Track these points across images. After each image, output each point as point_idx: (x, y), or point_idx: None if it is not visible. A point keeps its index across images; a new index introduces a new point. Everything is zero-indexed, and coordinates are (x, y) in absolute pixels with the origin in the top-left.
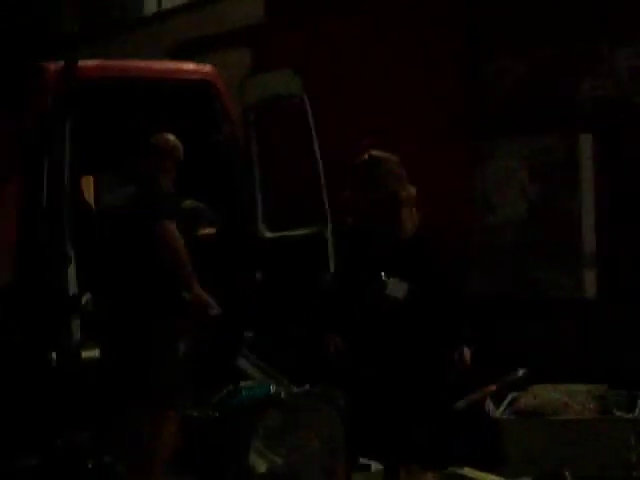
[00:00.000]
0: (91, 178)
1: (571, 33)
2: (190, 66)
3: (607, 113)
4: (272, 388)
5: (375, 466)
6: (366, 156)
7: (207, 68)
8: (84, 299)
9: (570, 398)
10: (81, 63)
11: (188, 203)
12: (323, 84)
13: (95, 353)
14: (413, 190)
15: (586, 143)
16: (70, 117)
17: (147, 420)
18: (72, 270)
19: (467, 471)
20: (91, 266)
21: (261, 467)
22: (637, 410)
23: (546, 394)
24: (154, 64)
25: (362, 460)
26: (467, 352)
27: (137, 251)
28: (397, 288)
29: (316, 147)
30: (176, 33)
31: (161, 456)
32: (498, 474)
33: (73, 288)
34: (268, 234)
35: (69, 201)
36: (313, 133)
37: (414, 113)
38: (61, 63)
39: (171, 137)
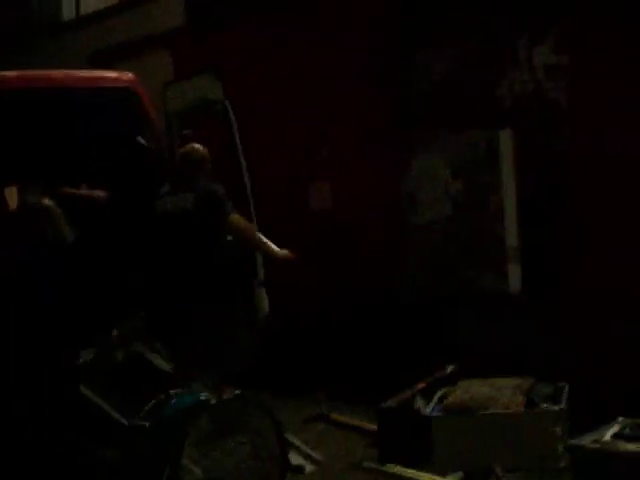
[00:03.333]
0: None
1: (490, 31)
2: (111, 74)
3: (525, 109)
4: (202, 395)
5: (309, 468)
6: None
7: (128, 75)
8: None
9: (498, 392)
10: (1, 74)
11: None
12: (246, 87)
13: None
14: None
15: (506, 138)
16: None
17: None
18: None
19: (399, 469)
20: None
21: (194, 474)
22: (562, 402)
23: (474, 389)
24: (75, 73)
25: (295, 462)
26: None
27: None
28: None
29: (240, 154)
30: (95, 39)
31: None
32: (429, 471)
33: None
34: None
35: None
36: (237, 139)
37: (340, 112)
38: None
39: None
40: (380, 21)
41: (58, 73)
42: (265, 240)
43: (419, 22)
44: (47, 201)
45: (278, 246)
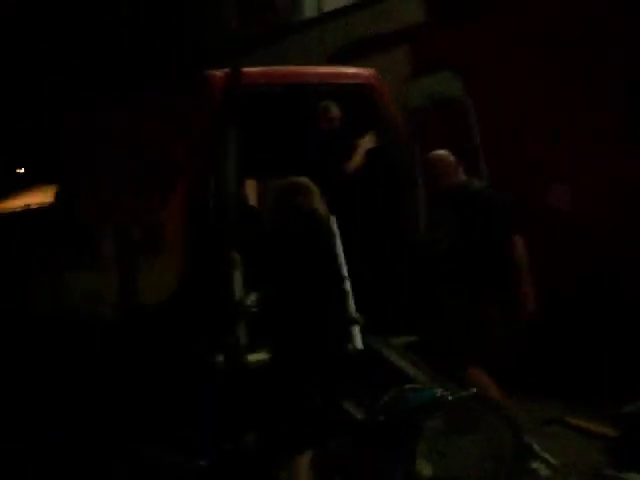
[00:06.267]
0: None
1: None
2: (351, 70)
3: None
4: (438, 391)
5: (545, 472)
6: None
7: (368, 72)
8: (249, 300)
9: None
10: (245, 70)
11: None
12: (485, 86)
13: (263, 356)
14: None
15: None
16: (236, 123)
17: None
18: (238, 274)
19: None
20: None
21: (427, 471)
22: None
23: None
24: (315, 69)
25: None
26: None
27: None
28: None
29: (480, 151)
30: (336, 36)
31: None
32: None
33: (239, 292)
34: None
35: (235, 205)
36: (477, 137)
37: (579, 114)
38: (226, 70)
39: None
40: (617, 23)
41: (298, 69)
42: None
43: None
44: (304, 178)
45: None
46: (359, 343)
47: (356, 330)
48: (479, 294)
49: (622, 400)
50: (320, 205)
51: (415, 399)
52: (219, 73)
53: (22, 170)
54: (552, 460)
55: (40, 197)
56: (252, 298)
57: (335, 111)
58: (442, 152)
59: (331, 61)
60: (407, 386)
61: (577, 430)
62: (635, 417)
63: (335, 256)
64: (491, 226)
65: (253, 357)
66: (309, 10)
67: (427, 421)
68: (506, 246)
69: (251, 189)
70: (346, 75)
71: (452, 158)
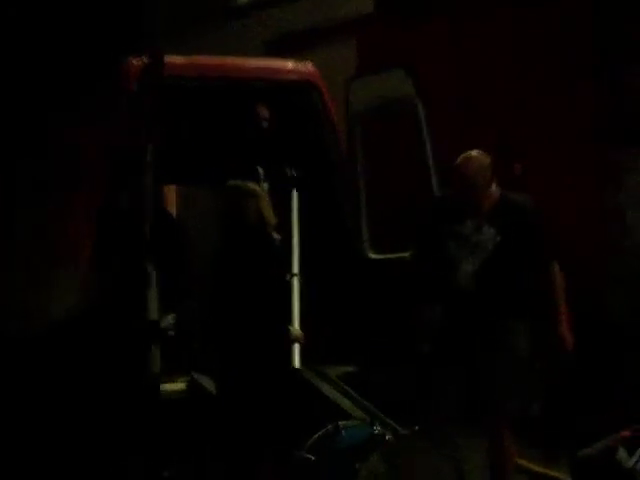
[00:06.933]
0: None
1: None
2: (288, 64)
3: None
4: (375, 429)
5: None
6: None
7: (307, 67)
8: (166, 322)
9: None
10: (168, 59)
11: None
12: (438, 86)
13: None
14: None
15: None
16: (155, 118)
17: None
18: (153, 293)
19: None
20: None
21: None
22: None
23: None
24: (248, 61)
25: None
26: None
27: None
28: None
29: (429, 156)
30: (273, 26)
31: None
32: None
33: (154, 313)
34: (372, 255)
35: (152, 213)
36: (426, 140)
37: (540, 120)
38: (146, 59)
39: None
40: (585, 30)
41: (229, 60)
42: None
43: (626, 36)
44: (253, 185)
45: None
46: (296, 362)
47: (296, 348)
48: (518, 326)
49: (577, 444)
50: (268, 211)
51: (349, 437)
52: (137, 61)
53: None
54: None
55: None
56: (169, 320)
57: (264, 111)
58: (476, 154)
59: (266, 53)
60: (341, 422)
61: (529, 474)
62: (589, 461)
63: (280, 266)
64: (535, 248)
65: (170, 387)
66: None
67: (363, 462)
68: (545, 271)
69: (171, 195)
70: (283, 70)
71: (488, 161)
